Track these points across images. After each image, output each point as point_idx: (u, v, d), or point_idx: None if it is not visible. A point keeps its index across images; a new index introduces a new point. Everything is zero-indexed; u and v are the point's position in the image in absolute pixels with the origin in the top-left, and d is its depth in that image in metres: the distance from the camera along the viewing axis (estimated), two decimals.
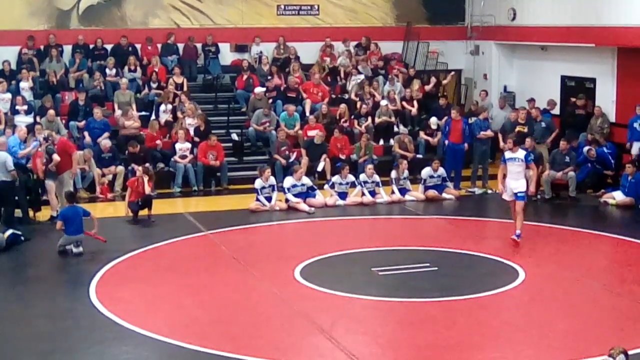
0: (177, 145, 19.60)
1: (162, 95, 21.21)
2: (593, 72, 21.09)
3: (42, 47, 22.11)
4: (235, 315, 11.24)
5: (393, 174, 18.49)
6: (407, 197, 18.33)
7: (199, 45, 23.28)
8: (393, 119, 21.81)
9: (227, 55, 23.75)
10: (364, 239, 15.28)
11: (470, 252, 14.11)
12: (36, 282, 13.06)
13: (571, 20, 20.98)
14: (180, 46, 23.16)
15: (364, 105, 21.83)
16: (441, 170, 18.59)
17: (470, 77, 25.14)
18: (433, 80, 23.16)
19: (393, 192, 18.31)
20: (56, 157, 16.23)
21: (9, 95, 20.04)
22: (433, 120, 21.24)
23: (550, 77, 22.45)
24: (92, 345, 10.25)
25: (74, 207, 14.50)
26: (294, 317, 11.15)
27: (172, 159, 19.51)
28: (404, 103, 22.40)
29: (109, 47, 22.62)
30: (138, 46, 22.86)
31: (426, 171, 18.55)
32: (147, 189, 16.80)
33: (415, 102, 22.37)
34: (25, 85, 20.61)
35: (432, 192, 18.41)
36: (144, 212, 16.71)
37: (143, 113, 21.07)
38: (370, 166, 18.38)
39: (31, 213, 16.58)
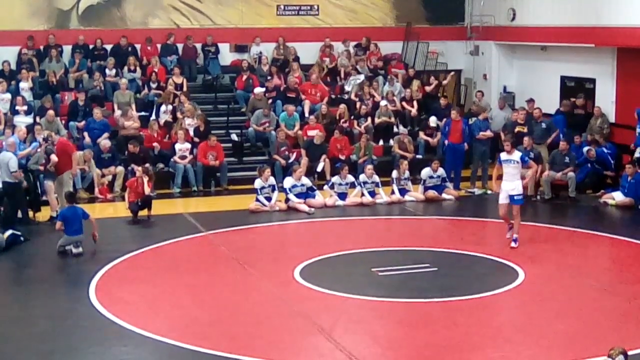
0: (177, 146, 19.59)
1: (162, 96, 21.21)
2: (593, 73, 21.08)
3: (41, 48, 22.11)
4: (235, 315, 11.24)
5: (394, 173, 18.49)
6: (407, 197, 18.33)
7: (198, 46, 23.28)
8: (393, 119, 21.81)
9: (226, 56, 23.75)
10: (364, 240, 15.28)
11: (470, 253, 14.11)
12: (36, 282, 13.04)
13: (571, 21, 20.98)
14: (180, 46, 23.16)
15: (363, 106, 21.83)
16: (441, 171, 18.59)
17: (470, 77, 25.14)
18: (434, 81, 23.15)
19: (393, 193, 18.31)
20: (54, 158, 16.22)
21: (8, 96, 20.04)
22: (432, 119, 21.25)
23: (550, 77, 22.44)
24: (92, 345, 10.26)
25: (73, 207, 14.50)
26: (294, 317, 11.15)
27: (172, 160, 19.50)
28: (404, 103, 22.41)
29: (108, 47, 22.62)
30: (138, 46, 22.85)
31: (426, 171, 18.55)
32: (147, 190, 16.80)
33: (415, 103, 22.38)
34: (25, 85, 20.61)
35: (431, 193, 18.41)
36: (143, 213, 16.71)
37: (143, 113, 21.07)
38: (369, 166, 18.38)
39: (30, 213, 16.57)
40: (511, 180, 14.32)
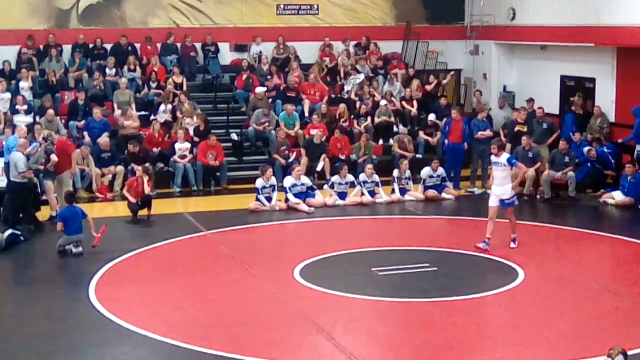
0: (177, 145, 19.59)
1: (162, 95, 21.21)
2: (592, 72, 21.07)
3: (41, 47, 22.10)
4: (235, 315, 11.24)
5: (395, 172, 18.49)
6: (407, 197, 18.33)
7: (198, 45, 23.27)
8: (392, 118, 21.81)
9: (226, 55, 23.75)
10: (364, 239, 15.27)
11: (470, 252, 14.10)
12: (36, 282, 13.05)
13: (571, 20, 20.97)
14: (180, 46, 23.15)
15: (363, 105, 21.83)
16: (440, 170, 18.59)
17: (469, 76, 25.13)
18: (433, 80, 23.13)
19: (393, 192, 18.31)
20: (54, 157, 16.21)
21: (8, 95, 20.05)
22: (432, 116, 21.24)
23: (550, 76, 22.43)
24: (92, 345, 10.26)
25: (73, 207, 14.49)
26: (294, 317, 11.15)
27: (172, 159, 19.50)
28: (404, 103, 22.40)
29: (108, 46, 22.62)
30: (137, 46, 22.85)
31: (425, 171, 18.55)
32: (147, 189, 16.80)
33: (414, 102, 22.38)
34: (24, 84, 20.60)
35: (431, 192, 18.41)
36: (143, 212, 16.71)
37: (142, 113, 21.06)
38: (369, 166, 18.38)
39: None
40: (501, 184, 14.19)
